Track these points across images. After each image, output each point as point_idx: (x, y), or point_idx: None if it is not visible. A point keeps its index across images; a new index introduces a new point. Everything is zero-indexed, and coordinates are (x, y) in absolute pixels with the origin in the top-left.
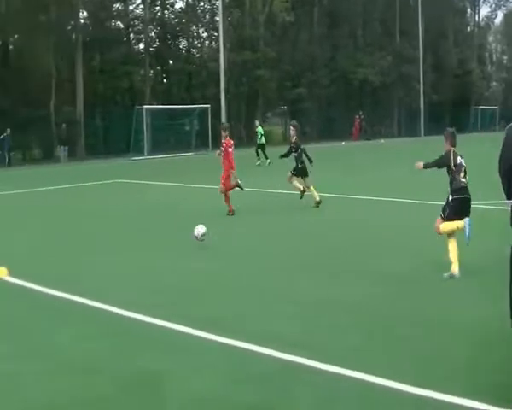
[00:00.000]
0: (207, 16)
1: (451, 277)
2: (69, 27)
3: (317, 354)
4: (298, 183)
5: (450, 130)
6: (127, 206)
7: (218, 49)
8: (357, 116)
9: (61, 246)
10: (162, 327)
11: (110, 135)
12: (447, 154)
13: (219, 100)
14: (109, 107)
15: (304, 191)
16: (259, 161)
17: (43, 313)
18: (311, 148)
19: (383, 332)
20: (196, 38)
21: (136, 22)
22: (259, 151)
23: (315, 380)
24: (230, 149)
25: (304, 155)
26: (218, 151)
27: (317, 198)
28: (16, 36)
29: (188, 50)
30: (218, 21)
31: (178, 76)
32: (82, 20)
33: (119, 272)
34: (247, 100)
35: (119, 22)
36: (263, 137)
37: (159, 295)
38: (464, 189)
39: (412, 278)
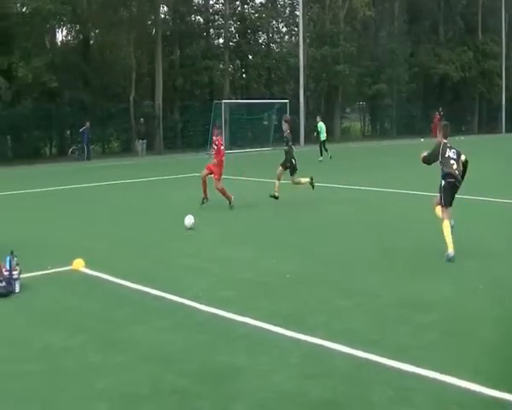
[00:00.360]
0: (287, 11)
1: (449, 258)
2: (149, 22)
3: (390, 351)
4: (300, 178)
5: (445, 123)
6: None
7: (297, 44)
8: (437, 112)
9: (138, 239)
10: (236, 321)
11: (188, 129)
12: (436, 148)
13: (298, 95)
14: (188, 101)
15: (298, 183)
16: (321, 158)
17: (121, 305)
18: (389, 144)
19: (459, 332)
20: (276, 32)
21: (216, 17)
22: (321, 147)
23: (388, 378)
24: (223, 147)
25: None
26: (207, 152)
27: (276, 194)
28: (97, 31)
29: (267, 45)
30: (298, 16)
31: (257, 71)
32: (162, 15)
33: (194, 265)
34: (325, 95)
35: (199, 17)
36: (323, 133)
37: (232, 289)
38: (451, 175)
39: (491, 277)
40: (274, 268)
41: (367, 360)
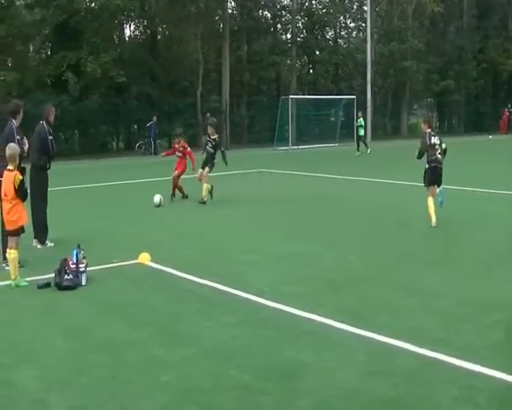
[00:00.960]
0: (355, 6)
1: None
2: (217, 17)
3: (455, 350)
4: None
5: (429, 115)
6: (272, 195)
7: (365, 40)
8: (506, 109)
9: (203, 233)
10: (301, 317)
11: (255, 125)
12: (424, 138)
13: (365, 91)
14: (255, 96)
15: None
16: (359, 153)
17: (185, 300)
18: (456, 141)
19: None
20: (344, 28)
21: (284, 12)
22: (360, 142)
23: (453, 377)
24: (189, 149)
25: (221, 154)
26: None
27: (205, 198)
28: (164, 26)
29: (335, 41)
30: (365, 12)
31: (325, 66)
32: (230, 10)
33: (259, 261)
34: (393, 92)
35: (266, 12)
36: (362, 129)
37: (297, 285)
38: (436, 160)
39: None
40: (339, 264)
41: (431, 359)
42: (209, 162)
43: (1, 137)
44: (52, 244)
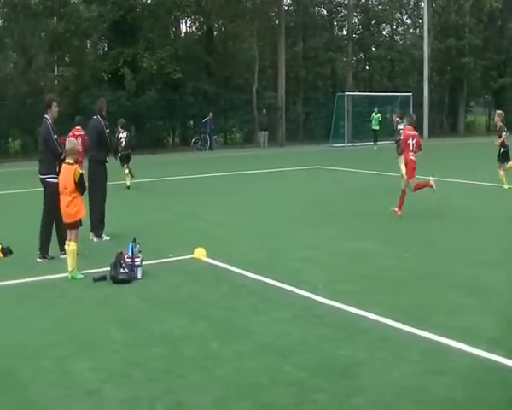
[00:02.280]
0: (412, 3)
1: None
2: (273, 13)
3: (511, 351)
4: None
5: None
6: (329, 192)
7: (421, 37)
8: None
9: (258, 229)
10: (356, 315)
11: (310, 121)
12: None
13: (421, 88)
14: (310, 93)
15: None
16: (376, 147)
17: (240, 295)
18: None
19: None
20: (400, 24)
21: (340, 8)
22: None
23: (509, 379)
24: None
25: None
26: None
27: (128, 183)
28: (220, 22)
29: (391, 37)
30: (422, 8)
31: (381, 63)
32: (285, 6)
33: (313, 258)
34: (449, 89)
35: (322, 8)
36: (377, 125)
37: (352, 283)
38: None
39: None
40: (395, 263)
41: (487, 360)
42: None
43: (39, 137)
44: (108, 238)
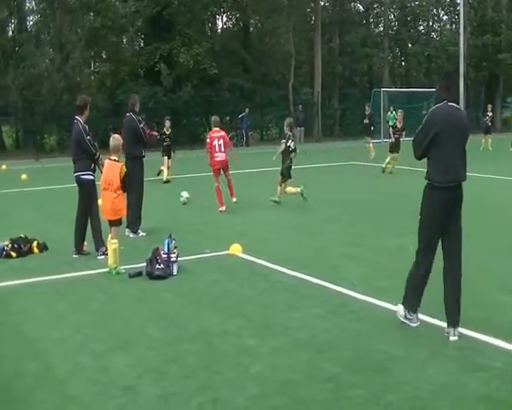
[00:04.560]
0: None
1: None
2: (309, 9)
3: None
4: None
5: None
6: (367, 188)
7: (457, 33)
8: None
9: (295, 225)
10: (392, 311)
11: (346, 117)
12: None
13: (458, 84)
14: (347, 89)
15: None
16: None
17: (276, 291)
18: None
19: None
20: (436, 20)
21: (376, 5)
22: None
23: None
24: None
25: None
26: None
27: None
28: (257, 18)
29: (427, 33)
30: (458, 4)
31: (417, 59)
32: (322, 2)
33: (350, 254)
34: (486, 85)
35: (358, 5)
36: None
37: (389, 279)
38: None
39: None
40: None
41: None
42: None
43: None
44: (144, 234)
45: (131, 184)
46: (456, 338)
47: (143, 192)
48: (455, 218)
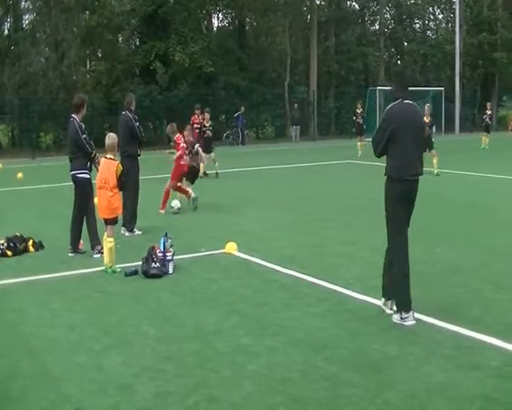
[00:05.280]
0: None
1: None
2: (305, 8)
3: None
4: None
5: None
6: (363, 187)
7: (453, 31)
8: None
9: (291, 223)
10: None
11: (342, 116)
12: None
13: (453, 83)
14: (342, 87)
15: None
16: None
17: (272, 290)
18: None
19: None
20: (432, 19)
21: (372, 3)
22: None
23: None
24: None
25: None
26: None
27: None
28: (253, 16)
29: (423, 32)
30: (454, 2)
31: (413, 58)
32: (317, 1)
33: (347, 253)
34: (481, 83)
35: (354, 3)
36: None
37: (380, 278)
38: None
39: None
40: (428, 257)
41: None
42: None
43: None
44: (140, 232)
45: (127, 182)
46: (391, 312)
47: (139, 191)
48: (413, 208)
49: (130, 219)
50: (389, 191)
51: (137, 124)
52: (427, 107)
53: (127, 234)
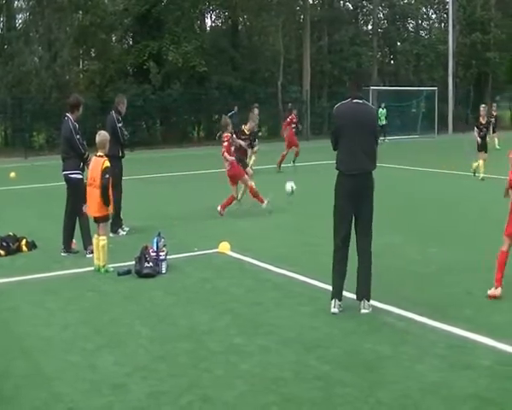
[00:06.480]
0: None
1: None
2: (298, 7)
3: None
4: None
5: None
6: None
7: (447, 31)
8: None
9: (283, 222)
10: (381, 309)
11: None
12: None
13: (447, 83)
14: (336, 87)
15: None
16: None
17: (265, 289)
18: None
19: None
20: (425, 19)
21: (365, 3)
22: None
23: None
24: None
25: None
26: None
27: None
28: (246, 16)
29: (416, 32)
30: (447, 2)
31: (406, 57)
32: (310, 1)
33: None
34: (475, 83)
35: (347, 3)
36: (384, 120)
37: (379, 277)
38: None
39: None
40: (421, 257)
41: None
42: None
43: (62, 135)
44: (125, 232)
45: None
46: (367, 311)
47: (122, 192)
48: (364, 201)
49: (114, 220)
50: (336, 184)
51: (120, 125)
52: (482, 108)
53: (111, 235)
